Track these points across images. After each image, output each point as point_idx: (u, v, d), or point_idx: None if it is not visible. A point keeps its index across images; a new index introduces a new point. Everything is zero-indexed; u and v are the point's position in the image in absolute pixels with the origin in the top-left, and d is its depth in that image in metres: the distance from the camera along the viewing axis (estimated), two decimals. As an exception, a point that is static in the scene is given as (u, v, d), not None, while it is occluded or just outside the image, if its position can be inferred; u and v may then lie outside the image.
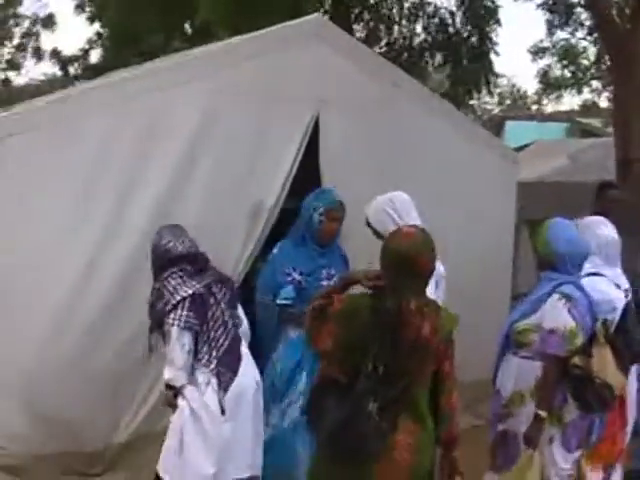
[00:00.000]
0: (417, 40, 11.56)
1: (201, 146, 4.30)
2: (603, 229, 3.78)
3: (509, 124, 19.03)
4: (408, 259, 2.62)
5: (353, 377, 2.55)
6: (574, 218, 3.74)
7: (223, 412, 3.29)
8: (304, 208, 4.10)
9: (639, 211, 6.79)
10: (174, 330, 3.28)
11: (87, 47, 17.52)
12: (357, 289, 2.81)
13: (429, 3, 11.40)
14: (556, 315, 3.28)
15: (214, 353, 3.33)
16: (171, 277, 3.38)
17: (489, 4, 11.09)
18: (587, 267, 3.55)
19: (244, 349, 3.51)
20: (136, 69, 6.44)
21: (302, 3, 9.87)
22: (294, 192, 4.62)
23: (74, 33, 20.70)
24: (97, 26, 16.77)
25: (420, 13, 11.41)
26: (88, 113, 4.02)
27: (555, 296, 3.32)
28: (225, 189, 4.37)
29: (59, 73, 18.58)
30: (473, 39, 11.05)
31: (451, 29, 11.29)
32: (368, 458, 2.54)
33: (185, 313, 3.29)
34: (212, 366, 3.32)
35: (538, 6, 11.09)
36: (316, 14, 5.33)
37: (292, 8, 9.35)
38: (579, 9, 10.69)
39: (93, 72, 16.41)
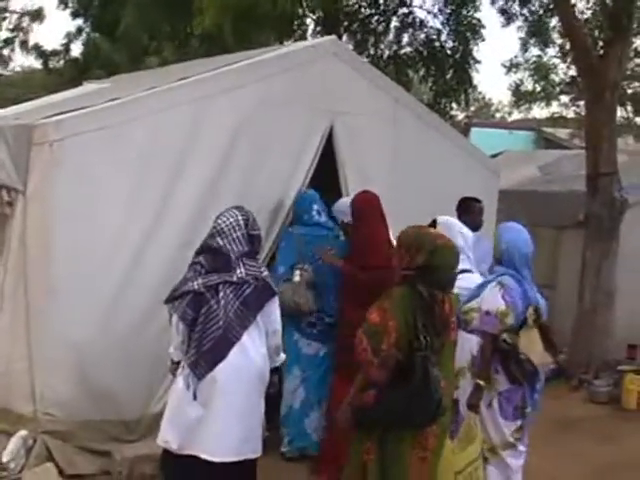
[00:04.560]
0: (402, 52, 12.09)
1: (235, 149, 4.81)
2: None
3: (474, 131, 19.46)
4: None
5: (409, 354, 3.09)
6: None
7: (195, 397, 3.62)
8: None
9: (606, 221, 7.50)
10: (174, 317, 3.71)
11: (67, 41, 17.66)
12: None
13: (415, 19, 11.91)
14: (492, 299, 3.89)
15: (196, 345, 3.63)
16: (192, 267, 3.74)
17: (474, 22, 11.62)
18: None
19: (248, 344, 3.65)
20: (154, 73, 6.87)
21: (297, 15, 10.33)
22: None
23: (53, 27, 20.47)
24: (79, 21, 16.96)
25: (407, 27, 11.93)
26: (135, 118, 4.48)
27: (493, 283, 3.94)
28: (253, 187, 4.87)
29: (36, 65, 18.72)
30: (457, 55, 11.58)
31: (436, 44, 11.80)
32: (440, 413, 3.13)
33: (184, 306, 3.64)
34: (190, 355, 3.64)
35: (527, 33, 11.67)
36: (333, 36, 5.86)
37: (288, 19, 9.84)
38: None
39: (74, 66, 16.58)
